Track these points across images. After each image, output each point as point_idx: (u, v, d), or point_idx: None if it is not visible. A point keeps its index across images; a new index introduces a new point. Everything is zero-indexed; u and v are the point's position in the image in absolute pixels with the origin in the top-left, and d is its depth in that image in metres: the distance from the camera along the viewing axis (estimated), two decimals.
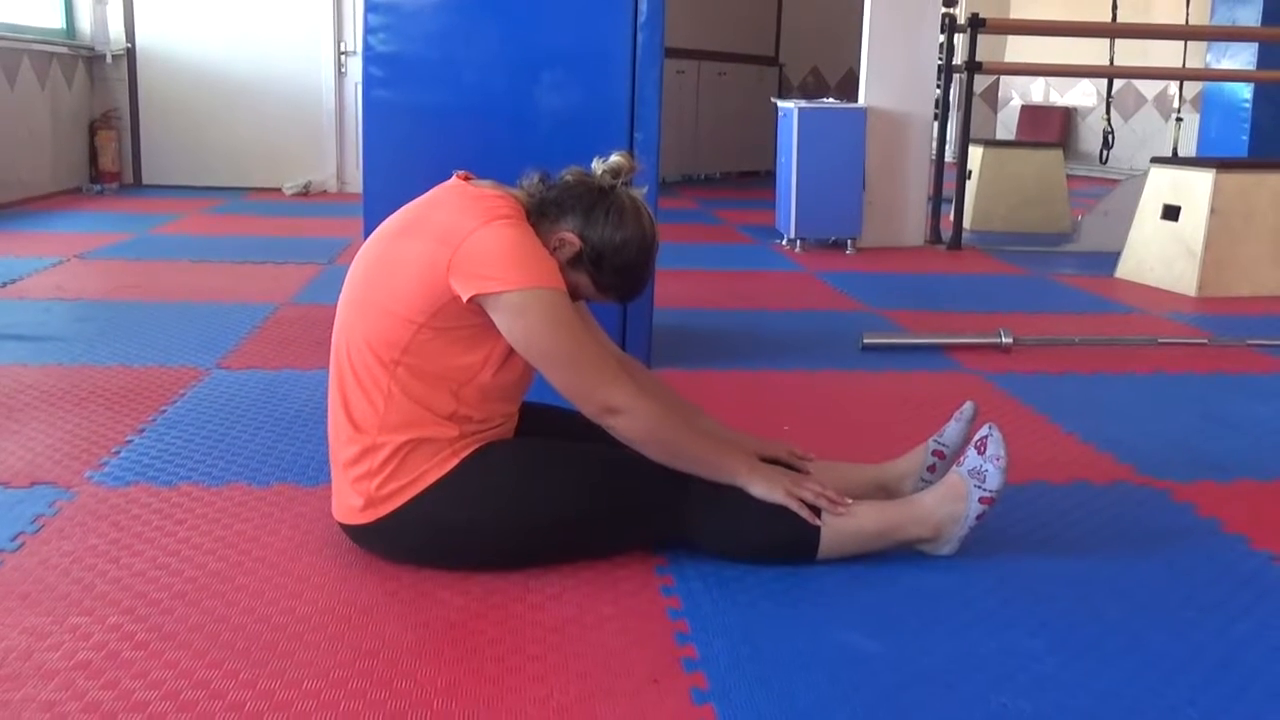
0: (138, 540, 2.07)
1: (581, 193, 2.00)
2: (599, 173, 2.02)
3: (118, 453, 2.55)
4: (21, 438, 2.64)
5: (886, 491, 2.20)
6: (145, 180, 8.43)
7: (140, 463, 2.49)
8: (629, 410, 1.93)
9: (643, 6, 3.18)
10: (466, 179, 2.04)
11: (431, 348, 1.90)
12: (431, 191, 2.03)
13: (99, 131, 8.15)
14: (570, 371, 1.92)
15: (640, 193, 2.05)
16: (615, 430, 1.95)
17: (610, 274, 2.00)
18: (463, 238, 1.87)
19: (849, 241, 6.10)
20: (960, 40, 6.54)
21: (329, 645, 1.71)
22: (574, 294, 2.00)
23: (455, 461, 1.93)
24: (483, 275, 1.85)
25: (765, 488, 1.98)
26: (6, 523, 2.14)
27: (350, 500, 1.97)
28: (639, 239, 2.00)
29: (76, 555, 2.00)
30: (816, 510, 1.99)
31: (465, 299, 1.86)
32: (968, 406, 2.25)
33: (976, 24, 6.24)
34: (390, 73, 3.19)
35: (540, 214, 1.99)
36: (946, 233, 6.42)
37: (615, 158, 2.03)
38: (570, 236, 1.97)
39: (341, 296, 2.03)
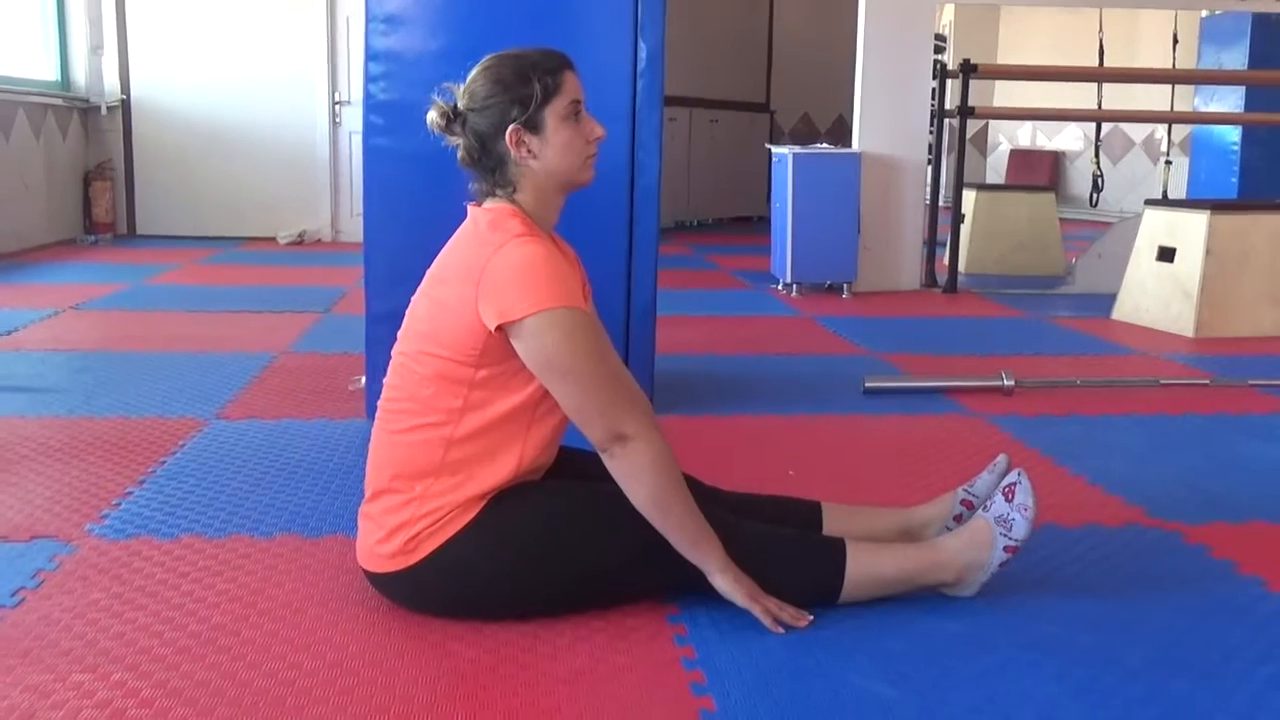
0: (140, 594, 2.03)
1: (485, 122, 1.92)
2: (462, 96, 1.95)
3: (118, 505, 2.52)
4: (20, 491, 2.60)
5: (910, 537, 2.17)
6: (140, 231, 8.43)
7: (141, 515, 2.45)
8: (640, 438, 1.87)
9: (642, 54, 3.20)
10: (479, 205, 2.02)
11: (490, 387, 1.89)
12: (457, 231, 2.03)
13: (94, 182, 8.16)
14: (584, 390, 1.86)
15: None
16: (617, 460, 1.88)
17: (552, 90, 1.92)
18: (482, 269, 1.86)
19: (845, 286, 6.11)
20: (951, 85, 6.59)
21: (338, 700, 1.68)
22: (575, 141, 1.95)
23: (482, 504, 1.91)
24: (503, 305, 1.84)
25: (731, 587, 1.92)
26: (6, 578, 2.10)
27: (382, 547, 1.93)
28: (521, 55, 1.93)
29: (78, 610, 1.96)
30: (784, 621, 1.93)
31: (492, 329, 1.85)
32: (1001, 459, 2.22)
33: (968, 70, 6.30)
34: (391, 120, 3.20)
35: (505, 182, 1.94)
36: (942, 276, 6.44)
37: (447, 85, 1.97)
38: (517, 132, 1.90)
39: (395, 347, 2.02)
